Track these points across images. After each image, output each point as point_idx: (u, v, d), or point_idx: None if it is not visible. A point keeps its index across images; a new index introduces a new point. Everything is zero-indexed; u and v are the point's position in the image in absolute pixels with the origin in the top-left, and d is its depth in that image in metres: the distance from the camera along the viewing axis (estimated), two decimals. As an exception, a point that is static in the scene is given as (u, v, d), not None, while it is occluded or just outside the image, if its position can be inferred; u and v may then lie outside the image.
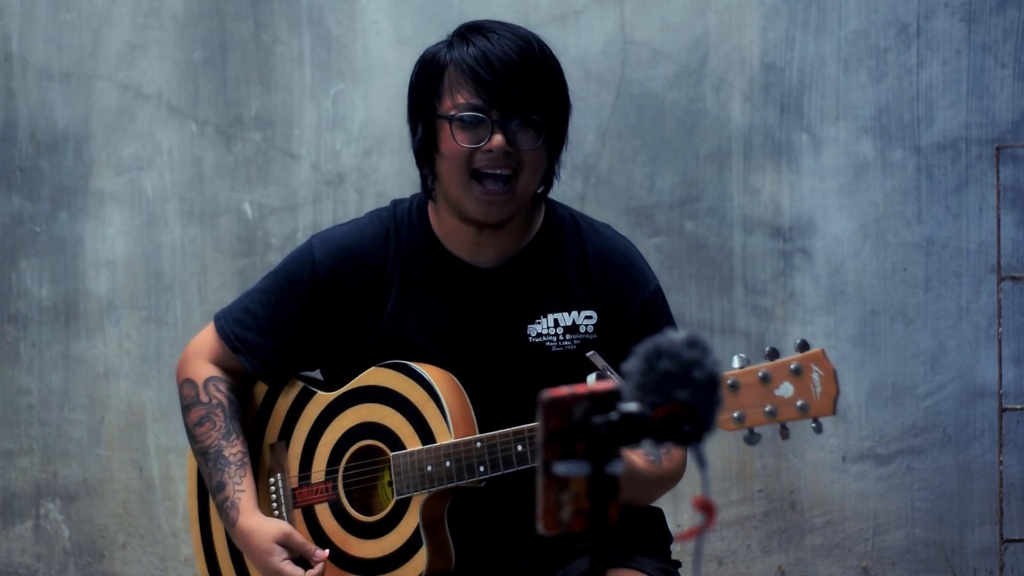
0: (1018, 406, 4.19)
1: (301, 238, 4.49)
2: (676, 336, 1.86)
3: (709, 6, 4.34)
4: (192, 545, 3.15)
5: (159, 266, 4.59)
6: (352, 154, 4.50)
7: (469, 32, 2.90)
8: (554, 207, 3.00)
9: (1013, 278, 4.20)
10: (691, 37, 4.36)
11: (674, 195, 4.38)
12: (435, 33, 4.43)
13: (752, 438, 2.31)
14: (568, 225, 2.99)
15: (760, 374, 2.30)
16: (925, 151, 4.28)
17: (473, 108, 2.84)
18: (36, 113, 4.63)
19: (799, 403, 2.29)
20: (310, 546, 2.95)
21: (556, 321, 2.94)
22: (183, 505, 4.58)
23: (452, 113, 2.85)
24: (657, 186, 4.38)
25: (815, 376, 2.30)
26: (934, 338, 4.28)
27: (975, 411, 4.27)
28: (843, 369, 4.30)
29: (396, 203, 3.03)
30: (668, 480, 2.91)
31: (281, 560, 2.94)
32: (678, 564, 3.02)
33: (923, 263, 4.29)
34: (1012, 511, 4.24)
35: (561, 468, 1.82)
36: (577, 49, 4.39)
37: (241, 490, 2.98)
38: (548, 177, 2.95)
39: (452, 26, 4.46)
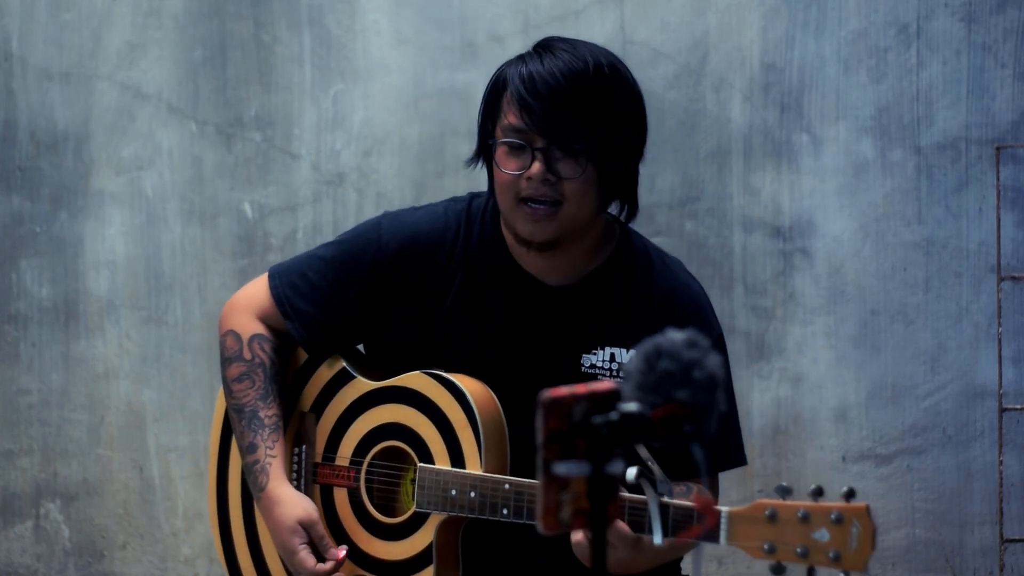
0: (1018, 406, 4.19)
1: (301, 238, 4.49)
2: (676, 336, 1.86)
3: (709, 6, 4.34)
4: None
5: (159, 266, 4.59)
6: (352, 154, 4.50)
7: (533, 50, 2.86)
8: (630, 236, 2.96)
9: (1013, 278, 4.20)
10: (691, 37, 4.36)
11: (674, 195, 4.37)
12: (435, 33, 4.45)
13: (778, 569, 2.29)
14: (641, 257, 2.94)
15: (800, 513, 2.28)
16: (925, 151, 4.28)
17: (517, 132, 2.80)
18: (36, 113, 4.63)
19: (832, 553, 2.28)
20: (330, 541, 2.93)
21: (612, 356, 2.90)
22: (183, 505, 4.58)
23: (498, 139, 2.82)
24: (657, 186, 4.38)
25: (854, 530, 2.28)
26: (934, 338, 4.28)
27: (975, 411, 4.27)
28: (843, 369, 4.30)
29: (473, 196, 2.99)
30: (686, 545, 2.88)
31: (299, 543, 2.90)
32: None
33: (923, 263, 4.29)
34: (1012, 511, 4.24)
35: (561, 468, 1.82)
36: (577, 49, 4.39)
37: (273, 455, 2.94)
38: (631, 204, 2.92)
39: (452, 26, 4.48)
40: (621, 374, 2.88)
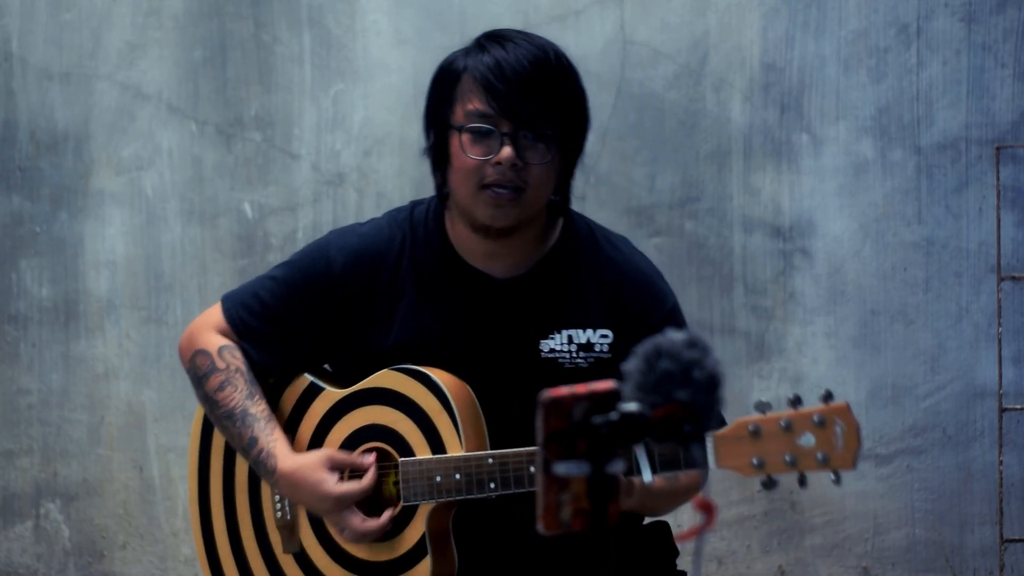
0: (1018, 406, 4.19)
1: (301, 238, 4.49)
2: (676, 336, 1.86)
3: (709, 6, 4.34)
4: (194, 545, 3.14)
5: (159, 266, 4.59)
6: (352, 154, 4.50)
7: (487, 40, 2.87)
8: (573, 219, 2.97)
9: (1013, 278, 4.20)
10: (691, 37, 4.36)
11: (674, 195, 4.38)
12: (435, 33, 4.45)
13: (769, 483, 2.31)
14: (586, 238, 2.96)
15: (782, 423, 2.30)
16: (925, 151, 4.28)
17: (483, 117, 2.81)
18: (36, 113, 4.63)
19: (820, 455, 2.29)
20: (356, 458, 2.91)
21: (570, 338, 2.91)
22: (183, 505, 4.58)
23: (462, 124, 2.82)
24: (657, 186, 4.38)
25: (838, 429, 2.30)
26: (934, 338, 4.28)
27: (975, 411, 4.27)
28: (843, 369, 4.30)
29: (414, 205, 3.00)
30: (686, 492, 2.90)
31: (335, 483, 2.88)
32: (683, 574, 3.02)
33: (923, 263, 4.29)
34: (1012, 511, 4.24)
35: (561, 468, 1.82)
36: (577, 49, 4.38)
37: (274, 439, 2.93)
38: (565, 190, 2.92)
39: (453, 26, 4.48)
40: (581, 353, 2.90)
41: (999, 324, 4.18)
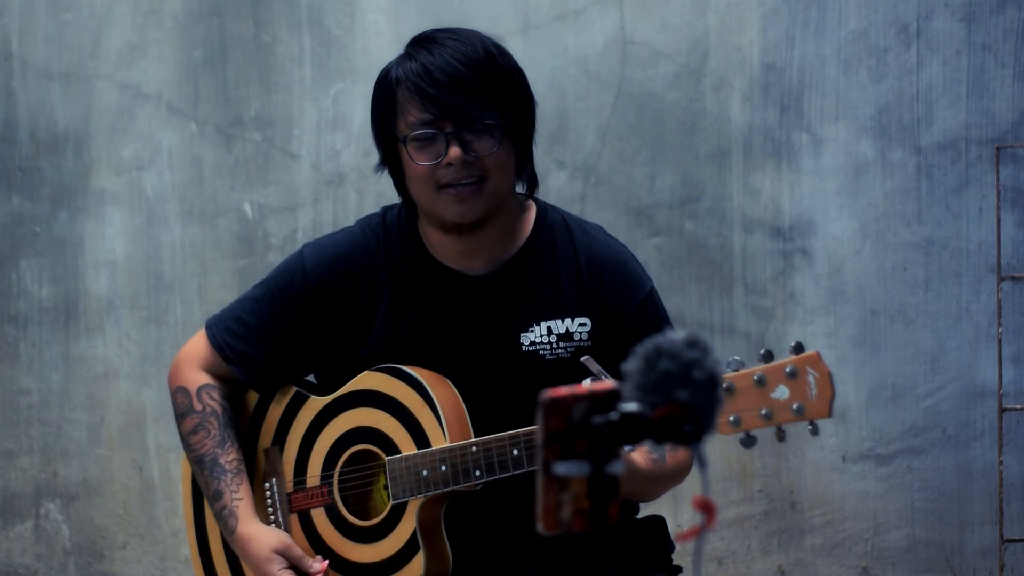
0: (1018, 406, 4.19)
1: (301, 238, 4.49)
2: (676, 336, 1.86)
3: (709, 6, 4.34)
4: (188, 549, 3.15)
5: (159, 266, 4.59)
6: (352, 154, 4.50)
7: (414, 47, 2.90)
8: (545, 211, 2.98)
9: (1013, 278, 4.20)
10: (691, 37, 4.36)
11: (674, 195, 4.38)
12: (435, 33, 4.45)
13: (748, 441, 2.31)
14: (559, 228, 2.97)
15: (755, 377, 2.30)
16: (925, 151, 4.28)
17: (424, 124, 2.83)
18: (36, 113, 4.63)
19: (795, 406, 2.30)
20: (308, 559, 2.95)
21: (549, 329, 2.92)
22: (183, 505, 4.58)
23: (406, 134, 2.85)
24: (657, 186, 4.38)
25: (810, 379, 2.31)
26: (934, 338, 4.28)
27: (975, 411, 4.27)
28: (843, 369, 4.30)
29: (386, 210, 3.04)
30: (673, 476, 2.91)
31: (279, 569, 2.93)
32: (679, 570, 3.02)
33: (923, 263, 4.29)
34: (1012, 511, 4.24)
35: (561, 468, 1.82)
36: (577, 49, 4.39)
37: (239, 498, 2.98)
38: (531, 179, 2.94)
39: (452, 25, 4.47)
40: (561, 343, 2.91)
41: (999, 324, 4.18)
